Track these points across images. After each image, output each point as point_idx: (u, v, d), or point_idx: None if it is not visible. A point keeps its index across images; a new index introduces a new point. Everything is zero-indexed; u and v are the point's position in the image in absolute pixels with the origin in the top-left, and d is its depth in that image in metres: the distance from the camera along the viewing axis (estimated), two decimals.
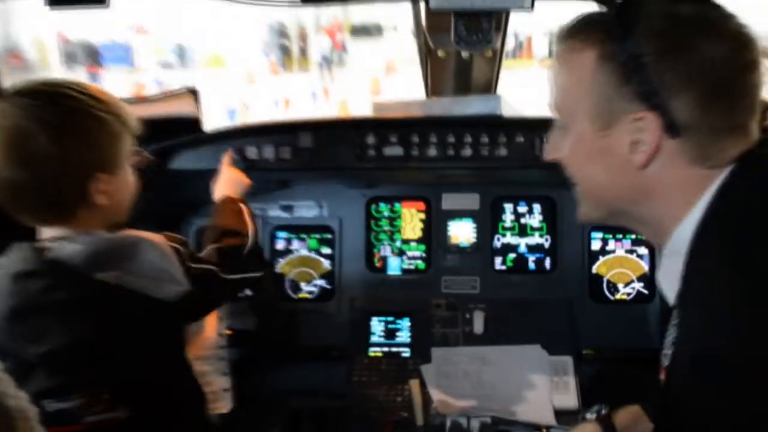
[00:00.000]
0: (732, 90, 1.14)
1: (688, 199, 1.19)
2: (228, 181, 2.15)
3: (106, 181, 1.57)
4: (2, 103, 1.52)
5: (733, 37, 1.15)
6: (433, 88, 2.70)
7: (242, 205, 2.04)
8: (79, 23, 21.71)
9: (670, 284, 1.26)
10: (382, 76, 21.29)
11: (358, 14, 28.29)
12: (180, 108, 2.39)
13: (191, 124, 2.41)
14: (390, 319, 2.57)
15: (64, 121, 1.51)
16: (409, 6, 2.47)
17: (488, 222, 2.66)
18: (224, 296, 1.98)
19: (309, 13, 27.34)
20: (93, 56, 22.35)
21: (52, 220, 1.58)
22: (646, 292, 2.58)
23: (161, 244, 1.61)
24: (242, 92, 18.65)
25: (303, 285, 2.70)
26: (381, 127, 2.38)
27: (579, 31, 1.24)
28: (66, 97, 1.53)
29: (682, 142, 1.15)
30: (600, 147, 1.23)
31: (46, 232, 1.60)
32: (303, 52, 25.48)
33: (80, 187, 1.54)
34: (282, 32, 25.18)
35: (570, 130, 1.29)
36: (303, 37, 25.46)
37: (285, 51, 25.13)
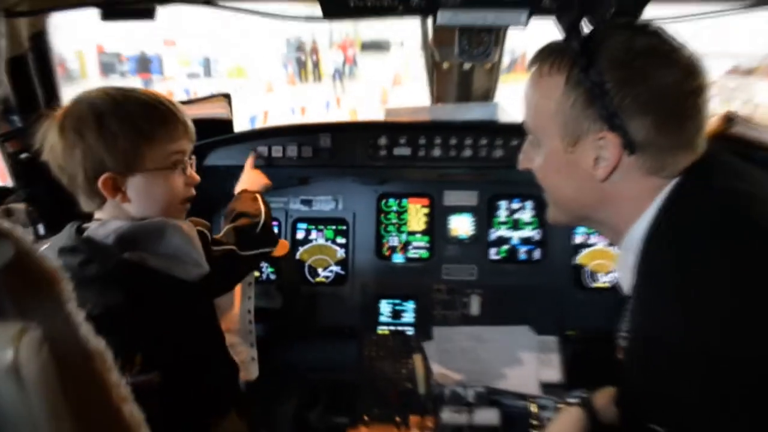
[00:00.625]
0: (682, 112, 1.18)
1: (642, 204, 1.23)
2: (249, 179, 2.17)
3: (122, 182, 1.56)
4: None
5: (684, 65, 1.18)
6: (438, 95, 2.72)
7: (257, 195, 2.04)
8: (115, 36, 21.75)
9: (624, 275, 1.31)
10: (389, 87, 21.25)
11: (368, 31, 28.20)
12: (215, 110, 2.41)
13: (225, 125, 2.44)
14: (396, 301, 2.61)
15: (68, 125, 1.52)
16: (416, 24, 2.48)
17: (485, 217, 2.68)
18: (244, 271, 1.98)
19: (323, 30, 27.29)
20: (144, 66, 22.48)
21: (92, 206, 1.62)
22: None
23: (187, 229, 1.61)
24: (262, 100, 18.65)
25: (320, 270, 2.72)
26: (392, 129, 2.40)
27: (548, 58, 1.26)
28: (84, 101, 1.55)
29: (638, 158, 1.19)
30: (567, 161, 1.27)
31: (96, 213, 1.63)
32: (317, 65, 25.42)
33: (90, 184, 1.55)
34: (299, 47, 25.14)
35: (541, 145, 1.32)
36: (317, 51, 25.42)
37: (301, 64, 25.08)
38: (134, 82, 19.93)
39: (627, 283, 1.29)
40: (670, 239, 1.16)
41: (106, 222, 1.57)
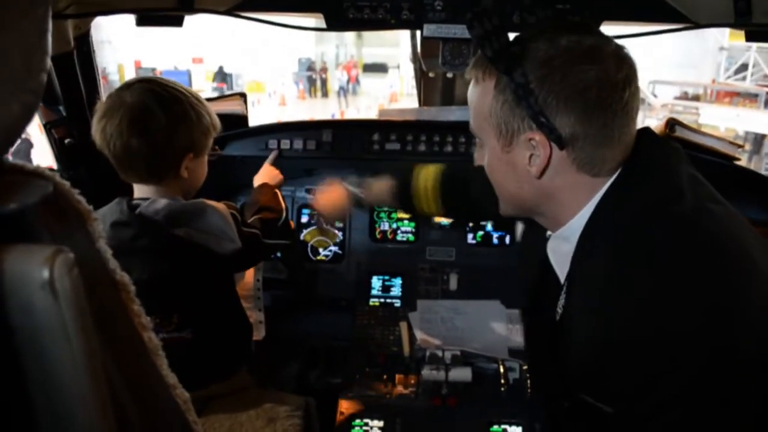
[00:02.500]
0: (607, 106, 1.07)
1: (579, 200, 1.16)
2: (267, 174, 2.18)
3: (191, 161, 1.63)
4: (123, 89, 1.56)
5: (608, 59, 1.07)
6: (425, 100, 2.72)
7: (277, 191, 2.07)
8: (151, 53, 21.68)
9: (557, 260, 1.28)
10: (386, 103, 21.28)
11: (370, 55, 28.24)
12: (232, 107, 2.40)
13: (240, 120, 2.44)
14: (386, 277, 2.60)
15: (174, 106, 1.56)
16: (409, 51, 2.52)
17: None
18: (262, 255, 2.03)
19: (331, 52, 27.31)
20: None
21: (148, 181, 1.63)
22: None
23: (223, 210, 1.65)
24: (276, 112, 18.64)
25: (320, 250, 2.71)
26: (384, 127, 2.40)
27: (481, 63, 1.18)
28: (176, 89, 1.59)
29: (569, 153, 1.11)
30: (506, 161, 1.19)
31: (139, 191, 1.64)
32: (325, 82, 25.41)
33: (176, 160, 1.60)
34: (310, 66, 25.12)
35: (484, 145, 1.25)
36: (325, 70, 25.42)
37: (311, 81, 25.07)
38: None
39: (563, 270, 1.24)
40: (603, 235, 1.12)
41: (154, 201, 1.58)
